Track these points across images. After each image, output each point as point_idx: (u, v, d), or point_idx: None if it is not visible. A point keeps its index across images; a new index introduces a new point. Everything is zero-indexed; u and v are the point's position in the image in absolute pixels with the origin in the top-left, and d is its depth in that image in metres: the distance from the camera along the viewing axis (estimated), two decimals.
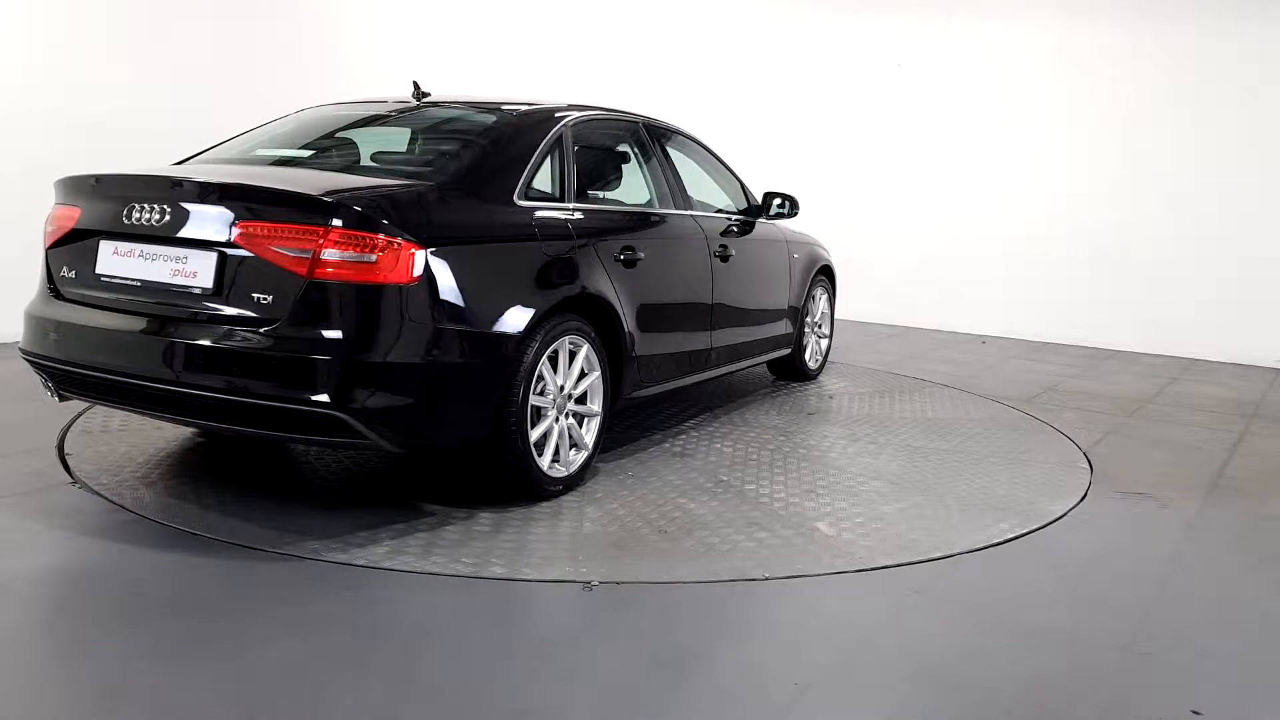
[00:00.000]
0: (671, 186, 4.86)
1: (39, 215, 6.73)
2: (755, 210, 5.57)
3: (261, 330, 3.11)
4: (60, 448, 4.11)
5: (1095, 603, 3.09)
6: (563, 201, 4.01)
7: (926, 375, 6.87)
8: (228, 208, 3.22)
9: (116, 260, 3.40)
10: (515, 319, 3.48)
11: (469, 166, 3.81)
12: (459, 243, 3.39)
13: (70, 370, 3.47)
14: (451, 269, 3.27)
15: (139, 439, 4.29)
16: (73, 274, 3.53)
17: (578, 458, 3.87)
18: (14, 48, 6.46)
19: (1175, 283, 8.58)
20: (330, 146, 4.21)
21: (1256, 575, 3.42)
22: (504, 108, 4.29)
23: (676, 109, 7.60)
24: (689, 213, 4.88)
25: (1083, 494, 4.21)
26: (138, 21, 7.18)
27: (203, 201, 3.29)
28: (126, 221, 3.34)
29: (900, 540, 3.53)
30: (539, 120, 4.12)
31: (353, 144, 4.23)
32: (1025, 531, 3.69)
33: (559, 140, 4.08)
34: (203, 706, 2.22)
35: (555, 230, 3.84)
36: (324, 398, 3.05)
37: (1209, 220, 8.48)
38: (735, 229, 5.25)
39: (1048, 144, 9.09)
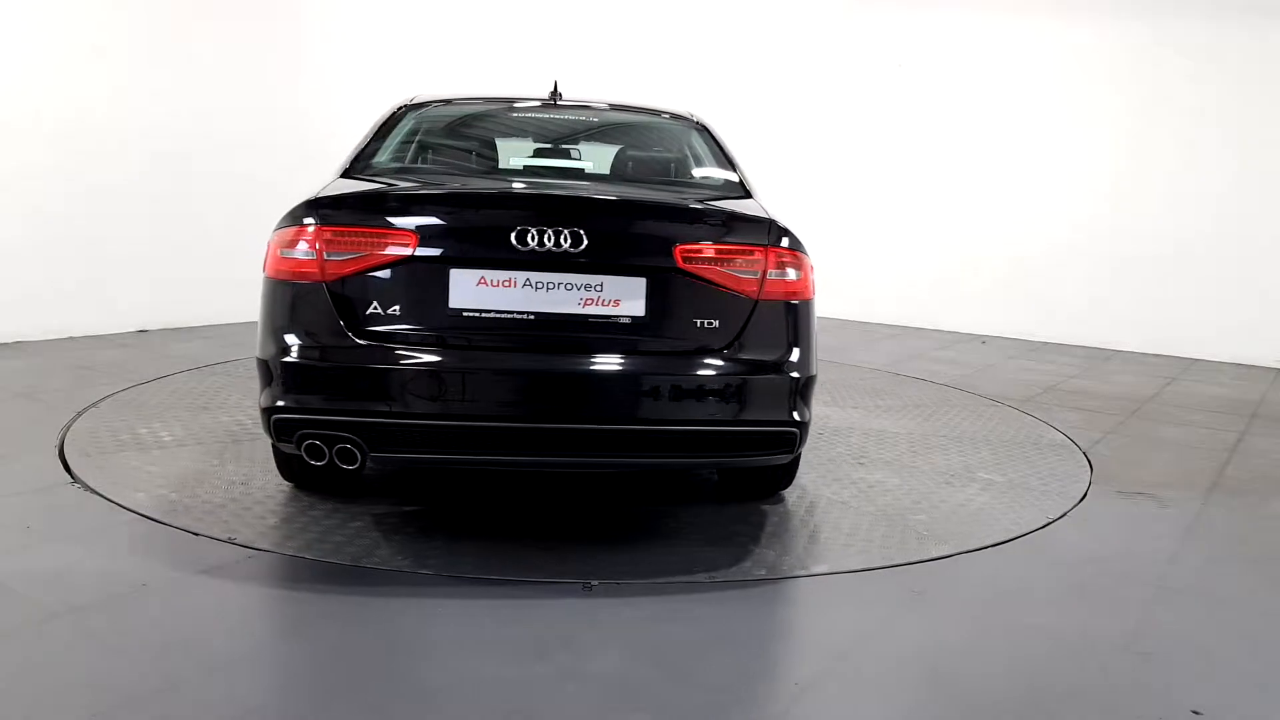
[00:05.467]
0: None
1: (39, 216, 6.75)
2: None
3: (716, 356, 3.01)
4: (60, 448, 4.11)
5: (1095, 603, 3.08)
6: None
7: (926, 375, 6.87)
8: (663, 230, 3.09)
9: (485, 292, 2.92)
10: None
11: (741, 181, 3.79)
12: None
13: (402, 423, 2.92)
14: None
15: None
16: (396, 309, 2.92)
17: None
18: (14, 48, 6.45)
19: (1175, 283, 8.58)
20: (563, 156, 4.07)
21: (1256, 575, 3.42)
22: (666, 112, 4.27)
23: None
24: None
25: (1083, 494, 4.20)
26: (139, 22, 7.17)
27: (629, 223, 3.12)
28: (520, 246, 2.89)
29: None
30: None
31: (578, 153, 4.11)
32: (1025, 531, 3.69)
33: None
34: (205, 704, 2.22)
35: None
36: (791, 416, 3.08)
37: (1209, 220, 8.48)
38: None
39: (1047, 145, 9.09)
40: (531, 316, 2.93)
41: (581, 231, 2.90)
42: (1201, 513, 4.05)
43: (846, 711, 2.39)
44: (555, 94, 4.20)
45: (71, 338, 6.72)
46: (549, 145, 4.15)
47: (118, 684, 2.32)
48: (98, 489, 3.62)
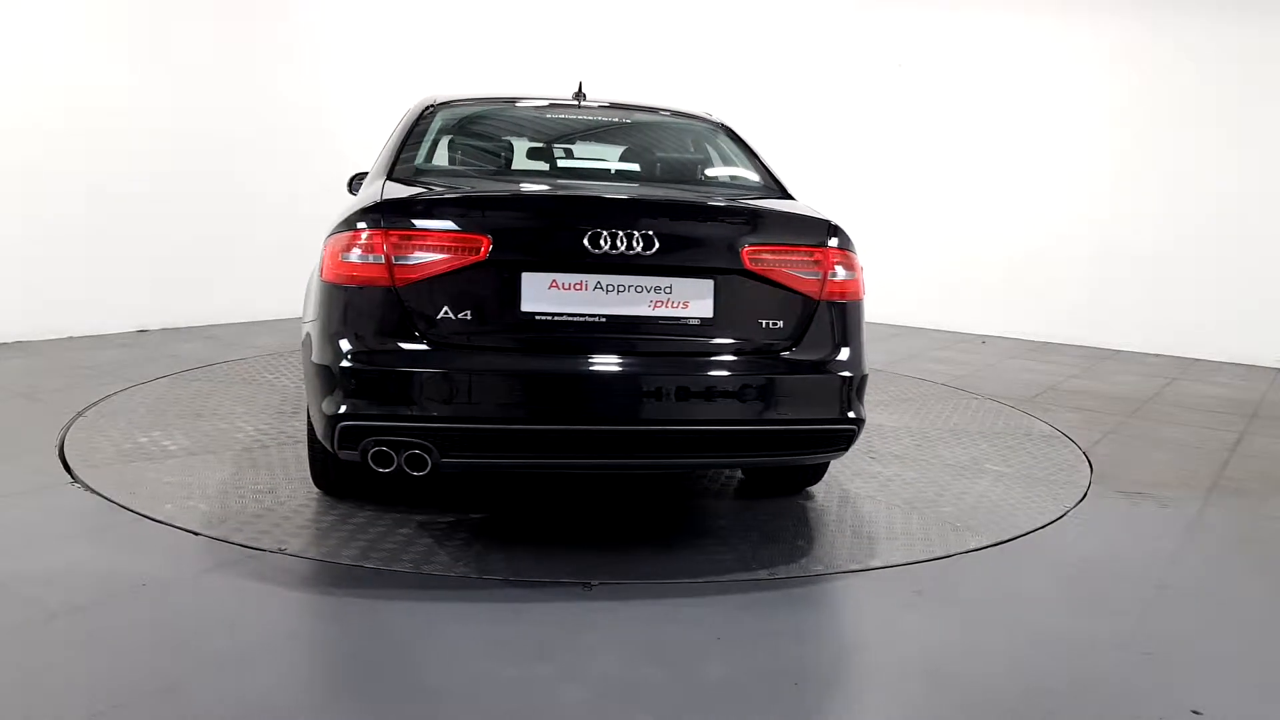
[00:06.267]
0: None
1: (39, 216, 6.75)
2: None
3: (780, 355, 3.08)
4: (60, 448, 4.11)
5: (1095, 603, 3.08)
6: None
7: (926, 375, 6.87)
8: (729, 231, 3.11)
9: (557, 295, 2.92)
10: None
11: (779, 181, 3.80)
12: None
13: (475, 428, 2.90)
14: None
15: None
16: (468, 314, 2.89)
17: None
18: (14, 48, 6.45)
19: (1175, 283, 8.58)
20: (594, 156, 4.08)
21: (1256, 575, 3.42)
22: (687, 113, 4.28)
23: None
24: None
25: (1083, 494, 4.20)
26: (138, 22, 7.17)
27: (698, 225, 3.15)
28: (592, 249, 2.89)
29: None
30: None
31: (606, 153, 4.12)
32: (1025, 532, 3.69)
33: None
34: (205, 704, 2.22)
35: None
36: (853, 414, 3.14)
37: (1209, 220, 8.48)
38: None
39: (1047, 144, 9.09)
40: (603, 319, 2.94)
41: (652, 234, 2.92)
42: (1201, 513, 4.05)
43: (846, 711, 2.38)
44: (580, 94, 4.18)
45: (71, 338, 6.72)
46: (588, 146, 4.14)
47: (118, 684, 2.32)
48: (98, 489, 3.62)
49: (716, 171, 3.98)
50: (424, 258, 2.88)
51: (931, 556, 3.37)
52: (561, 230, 2.95)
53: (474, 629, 2.69)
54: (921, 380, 6.68)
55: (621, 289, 2.95)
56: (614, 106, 4.23)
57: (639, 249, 2.91)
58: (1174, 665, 2.69)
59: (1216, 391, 6.95)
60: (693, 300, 2.99)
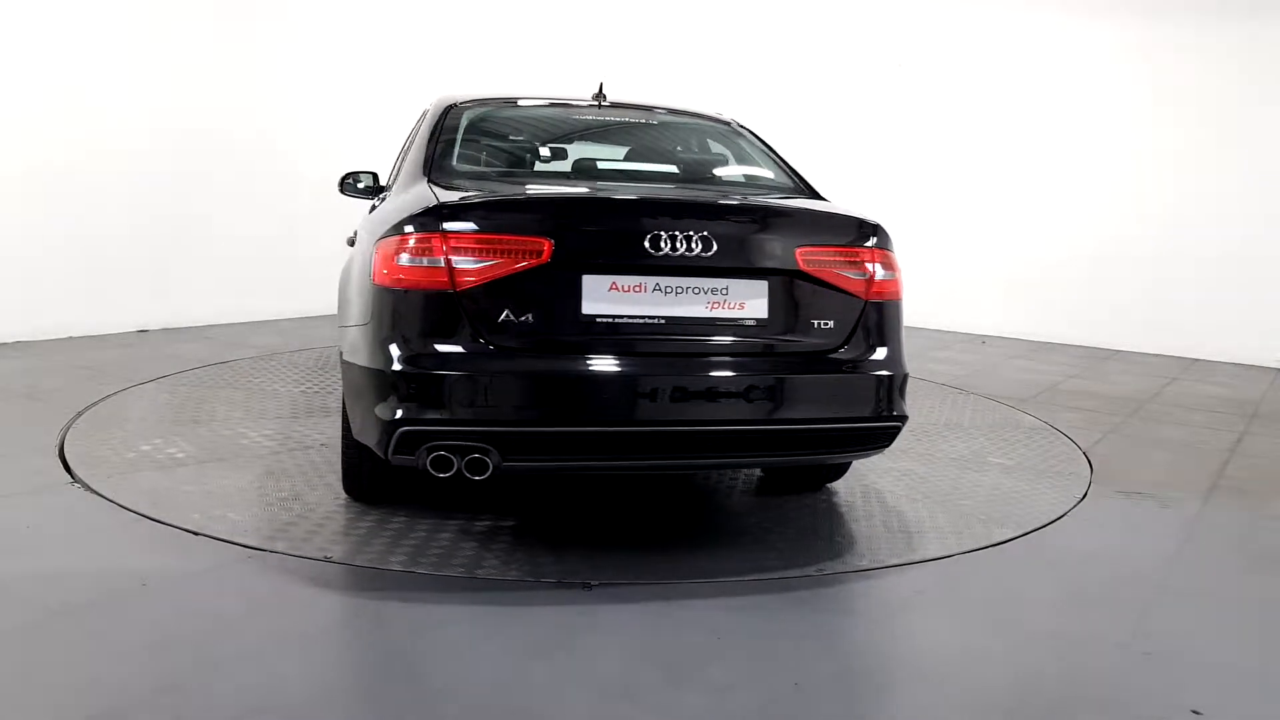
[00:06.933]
0: None
1: (39, 216, 6.75)
2: None
3: (831, 355, 3.11)
4: (60, 448, 4.11)
5: (1095, 603, 3.08)
6: None
7: (926, 375, 6.87)
8: (782, 233, 3.14)
9: (616, 297, 2.92)
10: None
11: (807, 182, 3.82)
12: None
13: (538, 430, 2.91)
14: None
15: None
16: (529, 317, 2.88)
17: None
18: (14, 48, 6.45)
19: (1175, 283, 8.58)
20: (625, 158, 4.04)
21: (1256, 575, 3.42)
22: (704, 114, 4.29)
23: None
24: None
25: (1083, 494, 4.20)
26: (138, 22, 7.17)
27: (754, 227, 3.17)
28: (653, 251, 2.91)
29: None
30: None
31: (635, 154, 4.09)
32: (1025, 531, 3.69)
33: None
34: (205, 704, 2.22)
35: None
36: (898, 411, 3.20)
37: (1209, 220, 8.48)
38: None
39: (1047, 144, 9.09)
40: (662, 321, 2.96)
41: (710, 236, 2.95)
42: (1201, 513, 4.05)
43: (846, 711, 2.38)
44: (600, 95, 4.16)
45: (71, 338, 6.72)
46: (620, 147, 4.11)
47: (118, 684, 2.32)
48: (98, 489, 3.62)
49: (749, 172, 3.97)
50: (486, 261, 2.86)
51: (931, 557, 3.37)
52: (623, 232, 2.97)
53: (474, 629, 2.68)
54: (922, 380, 6.68)
55: (680, 291, 2.97)
56: (637, 107, 4.23)
57: (698, 250, 2.93)
58: (1174, 665, 2.69)
59: (1216, 391, 6.95)
60: (748, 301, 3.03)
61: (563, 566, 3.12)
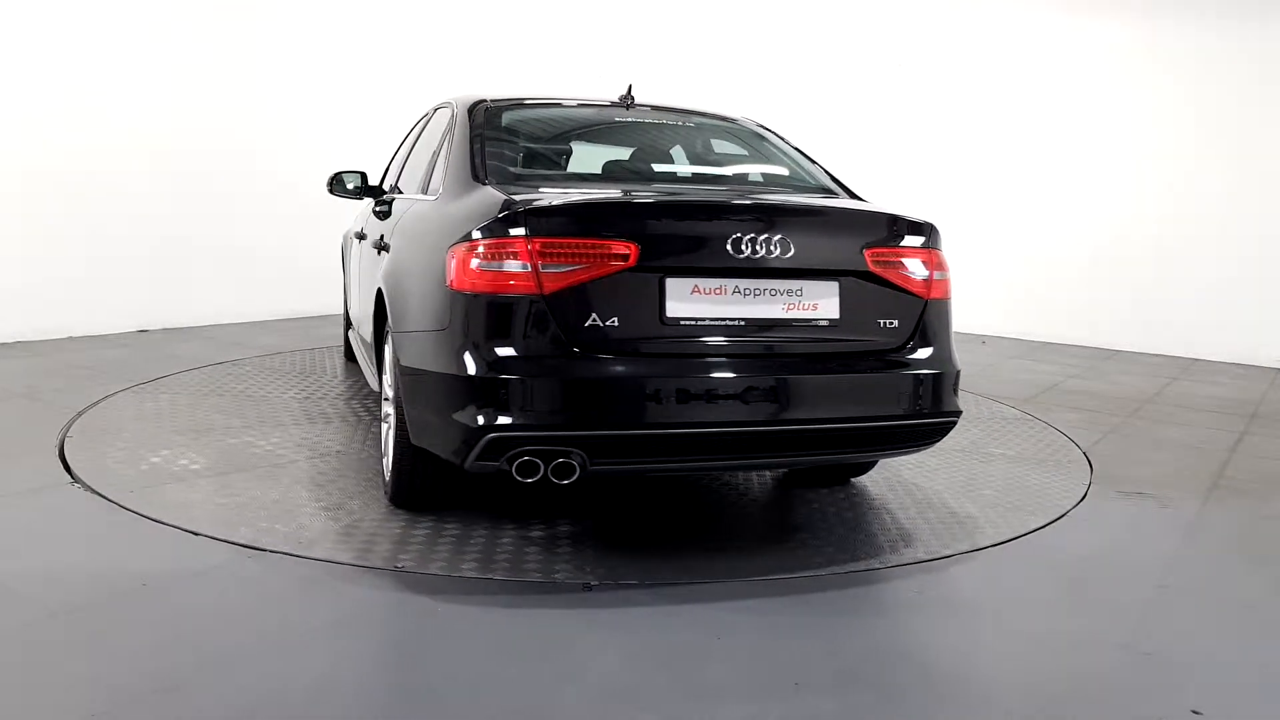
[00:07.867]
0: None
1: (39, 216, 6.75)
2: None
3: (896, 353, 3.20)
4: (60, 448, 4.11)
5: (1095, 603, 3.08)
6: None
7: None
8: (852, 234, 3.20)
9: (698, 300, 2.95)
10: None
11: (842, 184, 3.86)
12: None
13: (626, 433, 2.93)
14: None
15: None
16: (614, 321, 2.88)
17: None
18: (14, 48, 6.45)
19: (1175, 283, 8.58)
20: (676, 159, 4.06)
21: (1256, 575, 3.42)
22: (727, 116, 4.32)
23: None
24: None
25: (1083, 494, 4.20)
26: (138, 21, 7.18)
27: (827, 229, 3.25)
28: (734, 254, 2.95)
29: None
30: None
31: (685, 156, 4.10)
32: (1025, 531, 3.69)
33: None
34: (205, 704, 2.22)
35: None
36: (954, 407, 3.33)
37: (1210, 220, 8.48)
38: None
39: (1047, 145, 9.09)
40: (742, 322, 3.00)
41: (786, 238, 3.00)
42: (1201, 513, 4.05)
43: (846, 711, 2.38)
44: (629, 97, 4.12)
45: (71, 338, 6.73)
46: (664, 150, 4.10)
47: (118, 684, 2.32)
48: (98, 489, 3.62)
49: (790, 175, 3.97)
50: (574, 265, 2.85)
51: (931, 557, 3.37)
52: (707, 235, 3.00)
53: (473, 629, 2.69)
54: None
55: (758, 292, 3.02)
56: (668, 109, 4.21)
57: (777, 252, 2.99)
58: (1174, 665, 2.69)
59: (1216, 391, 6.95)
60: (821, 302, 3.09)
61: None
